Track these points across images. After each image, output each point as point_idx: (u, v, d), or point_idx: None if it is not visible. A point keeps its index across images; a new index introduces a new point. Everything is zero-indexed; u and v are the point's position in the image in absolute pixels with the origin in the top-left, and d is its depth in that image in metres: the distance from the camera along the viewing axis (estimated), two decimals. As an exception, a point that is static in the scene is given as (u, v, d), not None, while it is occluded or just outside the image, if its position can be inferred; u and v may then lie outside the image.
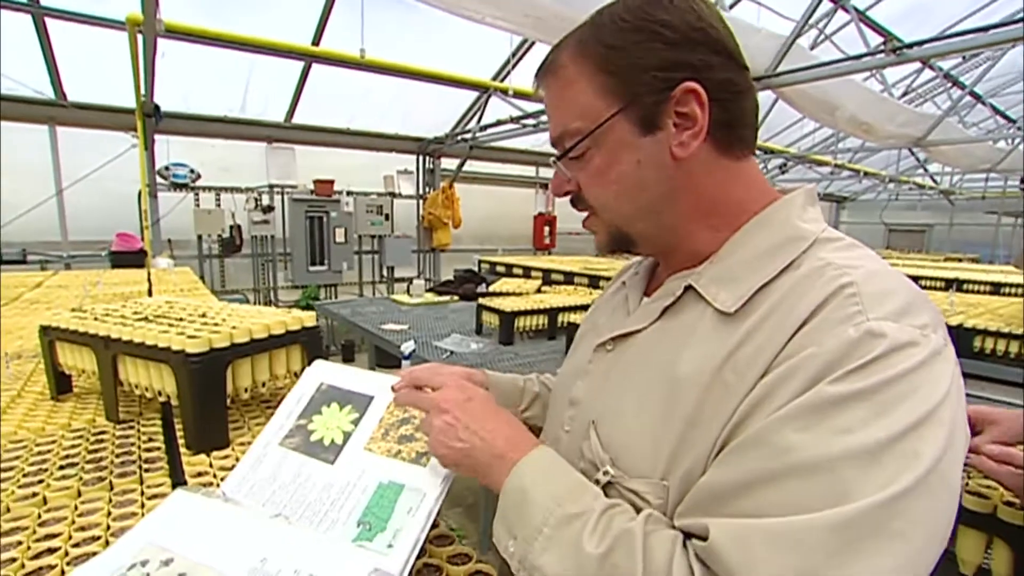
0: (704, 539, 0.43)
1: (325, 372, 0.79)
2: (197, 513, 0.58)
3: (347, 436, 0.69)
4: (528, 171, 8.01)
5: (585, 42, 0.56)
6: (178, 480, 0.78)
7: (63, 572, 0.58)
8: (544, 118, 5.18)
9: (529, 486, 0.52)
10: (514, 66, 5.15)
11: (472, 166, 7.15)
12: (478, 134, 6.10)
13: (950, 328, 2.11)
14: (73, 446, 0.87)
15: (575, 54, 0.57)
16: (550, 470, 0.54)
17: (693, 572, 0.42)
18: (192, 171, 5.33)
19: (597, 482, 0.55)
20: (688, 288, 0.57)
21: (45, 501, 0.72)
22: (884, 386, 0.41)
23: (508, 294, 3.47)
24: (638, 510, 0.50)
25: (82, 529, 0.65)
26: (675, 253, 0.61)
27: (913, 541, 0.38)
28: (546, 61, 0.60)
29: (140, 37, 3.19)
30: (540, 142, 7.06)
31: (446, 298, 3.87)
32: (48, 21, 3.90)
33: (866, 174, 8.89)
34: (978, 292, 3.57)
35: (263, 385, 0.99)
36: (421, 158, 6.97)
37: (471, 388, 0.64)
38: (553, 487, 0.52)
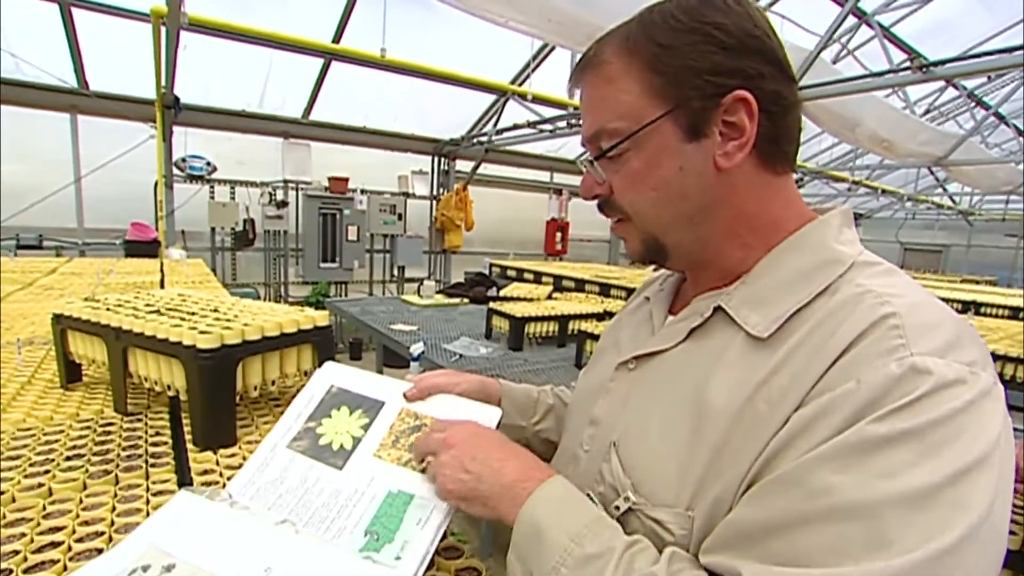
0: None
1: (336, 374, 0.77)
2: (201, 517, 0.57)
3: (356, 441, 0.67)
4: (542, 176, 8.01)
5: (634, 39, 0.53)
6: (184, 477, 0.77)
7: (65, 567, 0.57)
8: (562, 124, 5.23)
9: (544, 520, 0.49)
10: (533, 70, 5.14)
11: (486, 169, 7.16)
12: (494, 137, 6.10)
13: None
14: (80, 437, 0.86)
15: (621, 50, 0.54)
16: (566, 503, 0.51)
17: None
18: (208, 163, 5.38)
19: (617, 508, 0.53)
20: (717, 309, 0.55)
21: (51, 492, 0.71)
22: (930, 427, 0.38)
23: (519, 299, 3.46)
24: (659, 540, 0.48)
25: (86, 523, 0.64)
26: (706, 269, 0.59)
27: None
28: (588, 55, 0.57)
29: (163, 29, 3.22)
30: (556, 147, 7.05)
31: (456, 300, 3.86)
32: (74, 11, 3.95)
33: (884, 192, 8.79)
34: (997, 316, 3.51)
35: (273, 383, 0.98)
36: (436, 159, 6.98)
37: (479, 425, 0.63)
38: (570, 523, 0.49)
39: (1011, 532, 0.76)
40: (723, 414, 0.48)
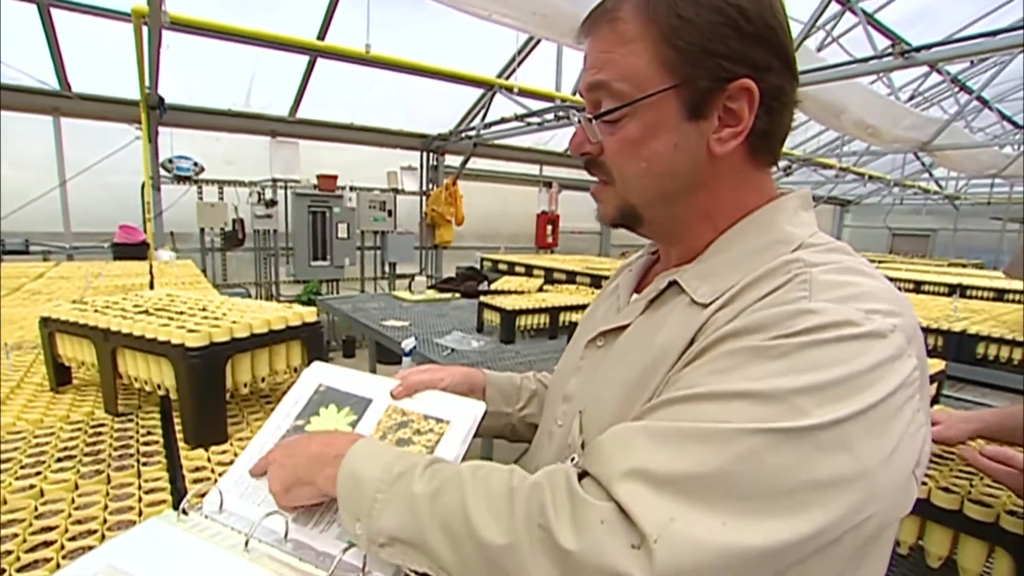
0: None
1: (323, 373, 0.79)
2: (167, 544, 0.57)
3: None
4: (532, 169, 8.00)
5: (654, 5, 0.52)
6: (175, 475, 0.78)
7: (58, 565, 0.57)
8: (549, 116, 5.23)
9: (359, 468, 0.54)
10: (520, 64, 5.13)
11: (476, 163, 7.14)
12: (482, 131, 6.09)
13: (954, 334, 2.12)
14: (71, 438, 0.87)
15: (639, 13, 0.52)
16: (374, 450, 0.56)
17: (541, 486, 0.45)
18: (196, 164, 5.33)
19: None
20: (672, 283, 0.58)
21: (42, 493, 0.71)
22: (802, 349, 0.42)
23: (510, 292, 3.47)
24: None
25: (79, 522, 0.65)
26: (675, 246, 0.62)
27: (780, 482, 0.38)
28: (604, 6, 0.56)
29: (145, 29, 3.19)
30: (544, 140, 7.04)
31: (448, 295, 3.86)
32: (53, 11, 3.89)
33: (871, 178, 8.85)
34: (982, 298, 3.55)
35: (262, 380, 0.98)
36: (425, 154, 6.95)
37: (293, 438, 0.67)
38: (380, 460, 0.54)
39: (987, 505, 0.78)
40: (662, 367, 0.52)
